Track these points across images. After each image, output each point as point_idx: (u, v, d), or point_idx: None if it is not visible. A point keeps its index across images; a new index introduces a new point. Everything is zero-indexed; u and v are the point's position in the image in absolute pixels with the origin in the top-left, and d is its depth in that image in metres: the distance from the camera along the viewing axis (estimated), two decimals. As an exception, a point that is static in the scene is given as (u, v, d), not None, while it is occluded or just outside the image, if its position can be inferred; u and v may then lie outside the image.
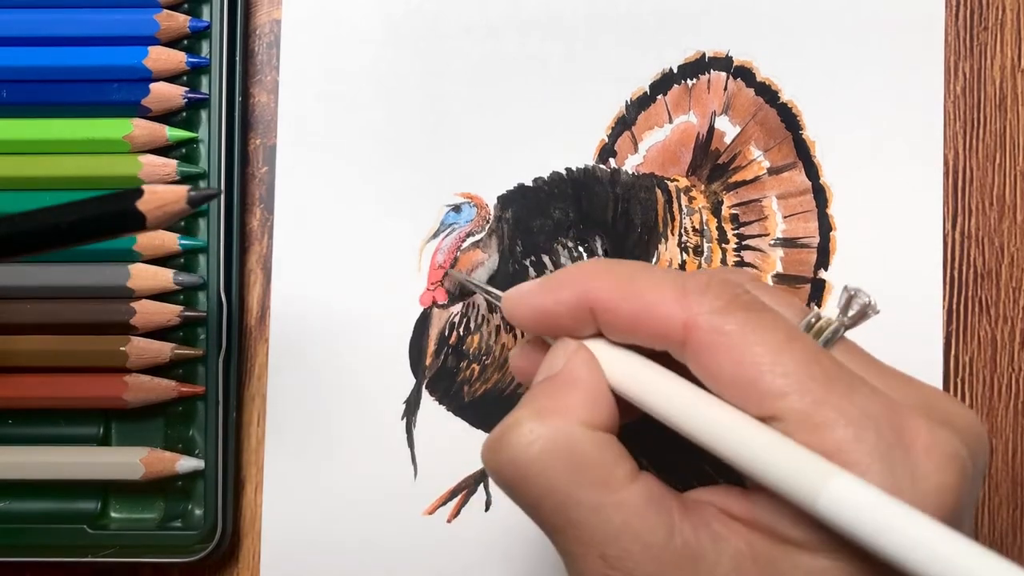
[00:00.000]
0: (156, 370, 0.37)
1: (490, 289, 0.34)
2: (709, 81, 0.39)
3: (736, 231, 0.39)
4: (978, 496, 0.26)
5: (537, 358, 0.29)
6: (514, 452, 0.25)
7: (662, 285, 0.25)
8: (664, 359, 0.26)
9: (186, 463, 0.37)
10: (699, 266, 0.38)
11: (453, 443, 0.38)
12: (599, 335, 0.27)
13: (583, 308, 0.27)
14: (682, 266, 0.38)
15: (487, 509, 0.38)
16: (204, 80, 0.38)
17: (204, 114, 0.38)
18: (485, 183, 0.39)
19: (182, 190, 0.27)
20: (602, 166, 0.39)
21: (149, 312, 0.37)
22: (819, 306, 0.38)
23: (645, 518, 0.24)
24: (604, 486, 0.24)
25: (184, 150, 0.38)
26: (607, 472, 0.25)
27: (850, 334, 0.26)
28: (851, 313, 0.26)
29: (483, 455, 0.26)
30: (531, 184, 0.39)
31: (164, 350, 0.37)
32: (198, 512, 0.37)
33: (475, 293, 0.38)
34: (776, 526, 0.24)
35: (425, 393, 0.38)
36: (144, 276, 0.37)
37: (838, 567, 0.23)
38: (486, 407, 0.38)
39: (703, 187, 0.39)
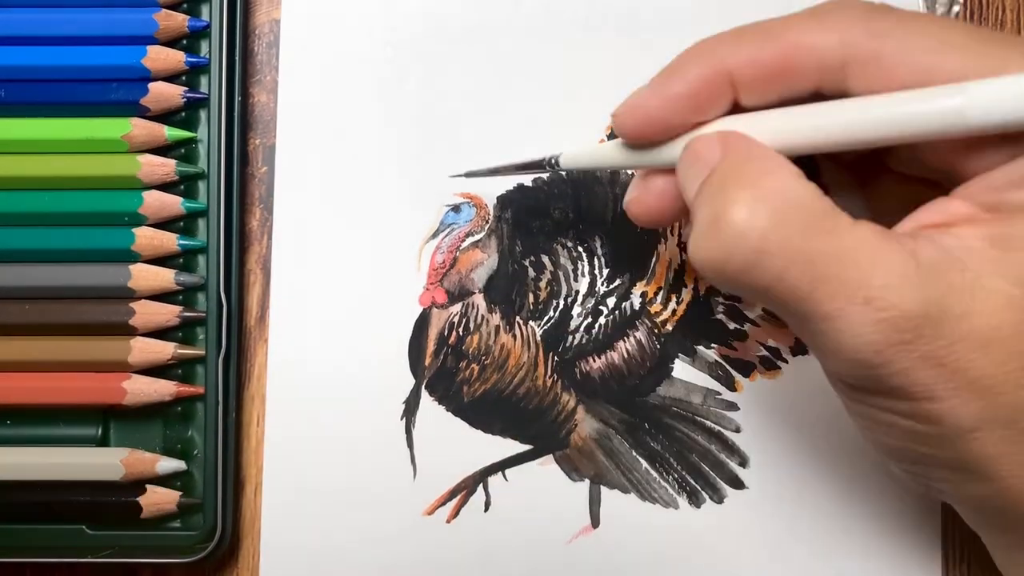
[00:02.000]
0: (155, 370, 0.37)
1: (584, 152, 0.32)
2: (709, 81, 0.39)
3: (736, 231, 0.39)
4: None
5: (661, 187, 0.28)
6: (742, 227, 0.23)
7: (799, 22, 0.25)
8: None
9: (166, 464, 0.37)
10: (699, 266, 0.38)
11: (452, 443, 0.38)
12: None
13: (720, 81, 0.25)
14: (682, 265, 0.38)
15: (486, 509, 0.38)
16: (203, 80, 0.38)
17: (203, 114, 0.38)
18: (485, 183, 0.39)
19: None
20: (602, 166, 0.39)
21: (149, 312, 0.37)
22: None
23: (889, 248, 0.23)
24: (841, 231, 0.23)
25: (183, 150, 0.38)
26: (838, 216, 0.24)
27: None
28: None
29: (702, 255, 0.24)
30: (531, 184, 0.39)
31: (166, 350, 0.37)
32: (198, 512, 0.37)
33: (474, 293, 0.38)
34: (1006, 199, 0.23)
35: (424, 393, 0.38)
36: (145, 276, 0.37)
37: None
38: (486, 407, 0.38)
39: (703, 187, 0.39)
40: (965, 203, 0.24)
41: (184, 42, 0.38)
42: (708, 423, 0.38)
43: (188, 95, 0.37)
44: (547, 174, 0.39)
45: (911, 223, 0.25)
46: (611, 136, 0.39)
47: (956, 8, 0.26)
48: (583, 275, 0.38)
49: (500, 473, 0.38)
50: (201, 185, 0.38)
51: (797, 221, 0.23)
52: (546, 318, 0.38)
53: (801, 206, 0.23)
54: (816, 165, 0.30)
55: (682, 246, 0.39)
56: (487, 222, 0.39)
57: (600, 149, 0.31)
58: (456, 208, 0.39)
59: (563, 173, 0.39)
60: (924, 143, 0.24)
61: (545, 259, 0.39)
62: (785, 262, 0.23)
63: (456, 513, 0.38)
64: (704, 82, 0.26)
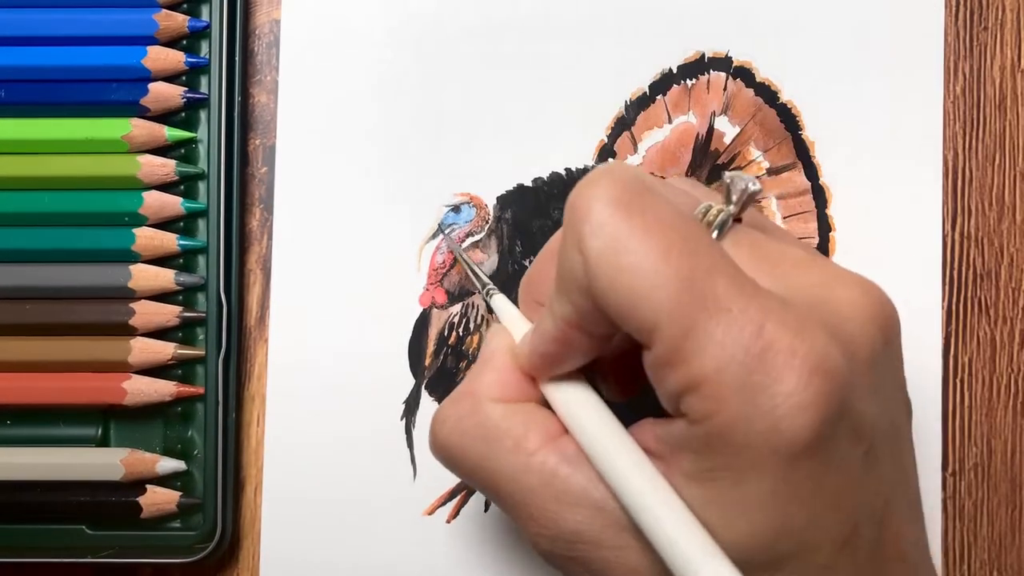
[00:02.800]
0: (155, 371, 0.37)
1: (478, 273, 0.35)
2: (708, 81, 0.39)
3: (736, 231, 0.39)
4: (894, 363, 0.26)
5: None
6: (440, 437, 0.28)
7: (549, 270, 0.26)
8: None
9: (166, 464, 0.37)
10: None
11: (453, 443, 0.38)
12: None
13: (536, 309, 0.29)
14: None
15: (486, 509, 0.38)
16: (203, 80, 0.38)
17: (203, 114, 0.38)
18: (484, 183, 0.39)
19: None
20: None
21: (148, 313, 0.37)
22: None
23: (562, 477, 0.25)
24: (517, 452, 0.26)
25: (183, 150, 0.38)
26: (519, 439, 0.26)
27: None
28: (734, 199, 0.26)
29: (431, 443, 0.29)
30: (530, 184, 0.39)
31: (166, 350, 0.37)
32: (198, 512, 0.37)
33: (474, 294, 0.38)
34: (672, 456, 0.24)
35: (425, 393, 0.38)
36: (145, 277, 0.37)
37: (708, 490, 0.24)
38: (485, 407, 0.38)
39: (703, 187, 0.39)
40: (655, 440, 0.25)
41: (184, 42, 0.38)
42: (708, 423, 0.38)
43: (188, 95, 0.37)
44: (545, 183, 0.39)
45: (633, 433, 0.27)
46: (611, 136, 0.39)
47: (750, 192, 0.26)
48: (583, 275, 0.38)
49: (500, 473, 0.38)
50: (201, 185, 0.38)
51: (478, 436, 0.27)
52: (546, 318, 0.38)
53: (486, 424, 0.27)
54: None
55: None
56: (487, 222, 0.39)
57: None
58: (456, 208, 0.39)
59: (563, 172, 0.39)
60: None
61: (545, 259, 0.38)
62: (471, 472, 0.28)
63: (456, 513, 0.38)
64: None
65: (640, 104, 0.39)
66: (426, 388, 0.38)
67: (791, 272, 0.25)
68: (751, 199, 0.26)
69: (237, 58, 0.38)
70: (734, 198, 0.26)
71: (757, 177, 0.39)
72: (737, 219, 0.27)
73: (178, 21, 0.38)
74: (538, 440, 0.26)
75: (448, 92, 0.39)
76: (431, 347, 0.38)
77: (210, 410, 0.37)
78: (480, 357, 0.29)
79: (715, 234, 0.26)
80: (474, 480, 0.28)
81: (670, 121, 0.39)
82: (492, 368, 0.28)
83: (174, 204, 0.37)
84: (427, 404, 0.38)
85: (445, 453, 0.28)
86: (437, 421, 0.28)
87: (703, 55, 0.39)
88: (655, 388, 0.25)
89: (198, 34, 0.38)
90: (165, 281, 0.37)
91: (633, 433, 0.26)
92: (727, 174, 0.26)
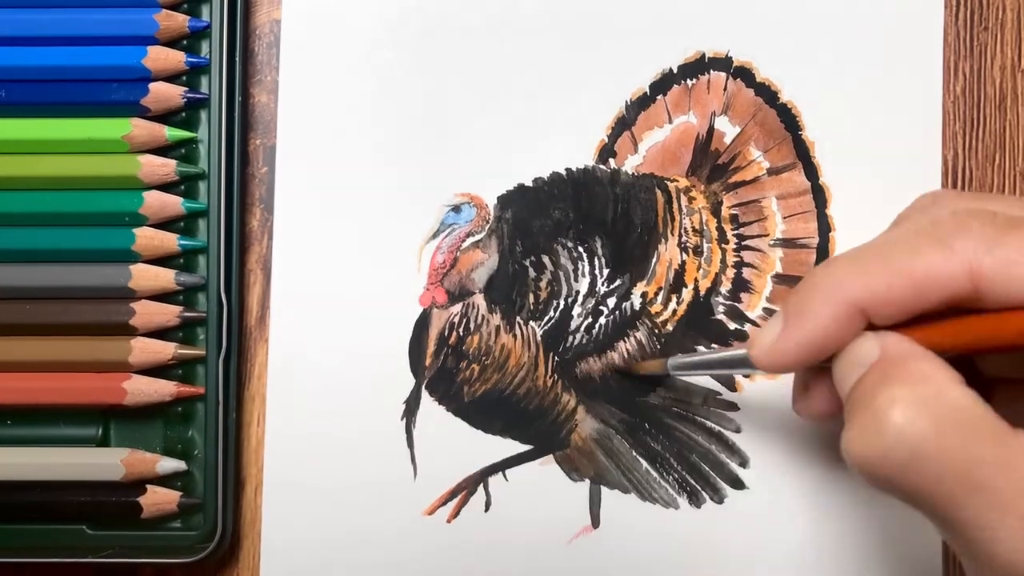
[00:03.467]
0: (155, 371, 0.37)
1: (694, 360, 0.33)
2: (709, 81, 0.39)
3: (736, 231, 0.39)
4: None
5: (823, 389, 0.28)
6: (898, 432, 0.23)
7: (923, 250, 0.24)
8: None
9: (167, 464, 0.37)
10: (699, 266, 0.38)
11: (453, 443, 0.38)
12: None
13: (852, 315, 0.25)
14: (682, 266, 0.38)
15: (487, 509, 0.38)
16: (204, 80, 0.38)
17: (204, 114, 0.38)
18: (485, 183, 0.39)
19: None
20: (602, 166, 0.39)
21: (149, 312, 0.37)
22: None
23: None
24: (1000, 439, 0.23)
25: (183, 150, 0.38)
26: (997, 425, 0.23)
27: None
28: None
29: (853, 452, 0.24)
30: (531, 184, 0.39)
31: (166, 350, 0.37)
32: (198, 512, 0.37)
33: (475, 293, 0.38)
34: None
35: (425, 393, 0.38)
36: (146, 277, 0.37)
37: None
38: (486, 407, 0.38)
39: (703, 187, 0.39)
40: None
41: (184, 42, 0.38)
42: (708, 423, 0.38)
43: (188, 95, 0.37)
44: (545, 183, 0.39)
45: None
46: (612, 136, 0.39)
47: None
48: (583, 275, 0.38)
49: (500, 473, 0.38)
50: (201, 185, 0.38)
51: (957, 427, 0.23)
52: (546, 318, 0.38)
53: (961, 412, 0.23)
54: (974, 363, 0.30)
55: (682, 246, 0.39)
56: (487, 222, 0.39)
57: (711, 357, 0.32)
58: (456, 208, 0.39)
59: (563, 172, 0.39)
60: None
61: (545, 259, 0.39)
62: (942, 467, 0.23)
63: (456, 513, 0.38)
64: (836, 320, 0.25)
65: (640, 104, 0.39)
66: (426, 388, 0.38)
67: None
68: None
69: (237, 58, 0.38)
70: None
71: (757, 177, 0.39)
72: None
73: (178, 21, 0.38)
74: (1007, 426, 0.23)
75: (448, 92, 0.39)
76: (431, 347, 0.38)
77: (210, 410, 0.37)
78: (886, 359, 0.25)
79: None
80: (941, 484, 0.23)
81: (670, 121, 0.39)
82: (925, 356, 0.24)
83: (174, 204, 0.37)
84: (427, 404, 0.38)
85: (912, 452, 0.23)
86: (889, 417, 0.23)
87: (703, 55, 0.39)
88: None
89: (198, 34, 0.38)
90: (165, 281, 0.37)
91: None
92: None
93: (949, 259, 0.24)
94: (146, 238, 0.37)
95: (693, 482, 0.38)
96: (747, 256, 0.39)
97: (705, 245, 0.39)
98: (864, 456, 0.24)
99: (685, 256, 0.39)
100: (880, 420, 0.23)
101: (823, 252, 0.38)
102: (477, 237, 0.39)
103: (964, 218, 0.24)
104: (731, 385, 0.38)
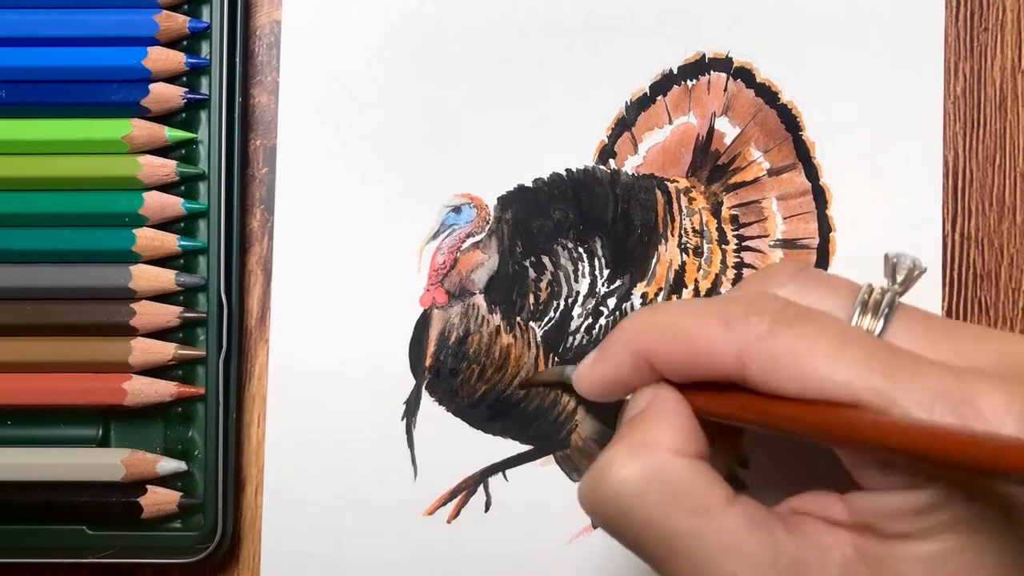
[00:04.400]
0: (156, 371, 0.37)
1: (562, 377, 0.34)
2: (709, 82, 0.39)
3: (736, 232, 0.39)
4: None
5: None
6: (611, 489, 0.25)
7: (706, 323, 0.26)
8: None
9: (167, 464, 0.37)
10: (699, 267, 0.38)
11: (453, 444, 0.38)
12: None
13: (642, 364, 0.27)
14: (682, 267, 0.38)
15: (487, 510, 0.38)
16: (204, 81, 0.38)
17: (204, 115, 0.38)
18: (485, 184, 0.39)
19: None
20: (602, 167, 0.39)
21: (149, 313, 0.37)
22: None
23: (748, 540, 0.24)
24: (703, 512, 0.25)
25: (184, 151, 0.38)
26: (704, 498, 0.25)
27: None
28: (900, 279, 0.26)
29: (581, 497, 0.27)
30: (531, 185, 0.39)
31: (166, 351, 0.37)
32: (198, 513, 0.37)
33: (475, 294, 0.38)
34: (880, 524, 0.24)
35: (425, 394, 0.38)
36: (146, 277, 0.37)
37: (946, 546, 0.23)
38: (486, 408, 0.38)
39: (703, 188, 0.39)
40: (847, 511, 0.25)
41: (185, 43, 0.38)
42: (708, 424, 0.38)
43: (189, 96, 0.37)
44: (545, 184, 0.39)
45: (804, 505, 0.26)
46: (612, 136, 0.39)
47: (917, 272, 0.26)
48: (583, 276, 0.38)
49: (501, 473, 0.38)
50: (202, 186, 0.38)
51: (660, 496, 0.25)
52: (547, 319, 0.38)
53: (670, 483, 0.25)
54: None
55: (682, 247, 0.39)
56: (487, 223, 0.39)
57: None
58: (456, 209, 0.39)
59: (563, 173, 0.39)
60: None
61: (545, 260, 0.39)
62: (644, 529, 0.25)
63: (457, 513, 0.38)
64: (627, 366, 0.28)
65: (641, 104, 0.39)
66: (426, 389, 0.38)
67: (972, 340, 0.25)
68: (917, 278, 0.26)
69: (238, 59, 0.38)
70: (899, 277, 0.26)
71: (757, 178, 0.39)
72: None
73: (179, 22, 0.38)
74: (722, 501, 0.25)
75: (448, 92, 0.39)
76: (432, 348, 0.38)
77: (211, 410, 0.37)
78: (644, 412, 0.27)
79: (885, 312, 0.25)
80: (643, 540, 0.25)
81: (670, 122, 0.39)
82: (669, 418, 0.26)
83: (175, 205, 0.37)
84: (427, 404, 0.38)
85: (619, 509, 0.25)
86: (608, 472, 0.26)
87: (703, 56, 0.39)
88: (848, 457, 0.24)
89: (199, 35, 0.38)
90: (166, 282, 0.37)
91: (806, 504, 0.26)
92: (892, 253, 0.26)
93: (725, 340, 0.25)
94: (146, 239, 0.37)
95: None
96: (747, 257, 0.39)
97: (705, 246, 0.39)
98: (585, 499, 0.26)
99: (685, 257, 0.39)
100: (602, 474, 0.26)
101: (823, 253, 0.38)
102: (477, 238, 0.39)
103: (754, 304, 0.25)
104: (731, 386, 0.38)
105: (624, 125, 0.39)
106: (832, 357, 0.23)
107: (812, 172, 0.39)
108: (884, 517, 0.24)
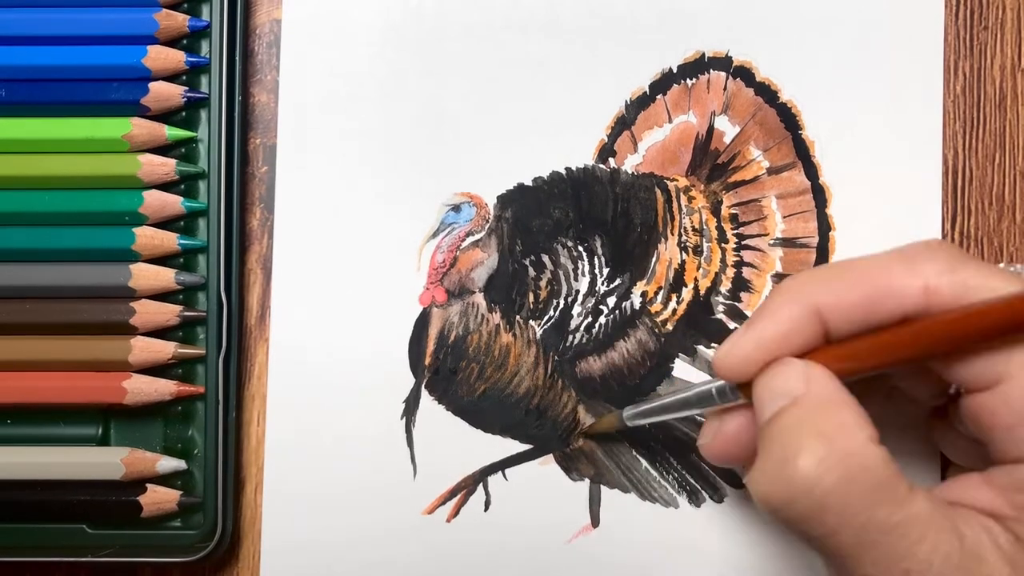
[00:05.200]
0: (155, 370, 0.37)
1: (647, 408, 0.33)
2: (708, 81, 0.39)
3: (735, 231, 0.39)
4: None
5: (735, 429, 0.29)
6: (806, 483, 0.24)
7: (887, 266, 0.26)
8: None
9: (167, 463, 0.37)
10: (698, 266, 0.38)
11: (452, 443, 0.38)
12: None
13: (810, 316, 0.26)
14: (682, 265, 0.38)
15: (486, 509, 0.38)
16: (204, 79, 0.38)
17: (204, 113, 0.38)
18: (485, 182, 0.39)
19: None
20: (602, 166, 0.39)
21: (149, 312, 0.37)
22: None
23: (939, 528, 0.24)
24: (899, 502, 0.24)
25: (183, 149, 0.38)
26: (898, 487, 0.24)
27: None
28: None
29: (760, 491, 0.26)
30: (531, 184, 0.39)
31: (166, 349, 0.37)
32: (198, 512, 0.37)
33: (475, 293, 0.38)
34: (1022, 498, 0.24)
35: (424, 393, 0.38)
36: (145, 276, 0.37)
37: None
38: (486, 407, 0.38)
39: (702, 187, 0.39)
40: (992, 491, 0.25)
41: (184, 42, 0.38)
42: (708, 422, 0.38)
43: (188, 95, 0.38)
44: (545, 182, 0.39)
45: (953, 493, 0.26)
46: (612, 135, 0.39)
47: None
48: (583, 274, 0.38)
49: (500, 473, 0.38)
50: (201, 184, 0.38)
51: (861, 486, 0.24)
52: (546, 317, 0.38)
53: (868, 472, 0.24)
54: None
55: (682, 246, 0.39)
56: (487, 221, 0.39)
57: (666, 402, 0.32)
58: (456, 207, 0.39)
59: (563, 171, 0.39)
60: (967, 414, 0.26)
61: (545, 258, 0.39)
62: (841, 522, 0.24)
63: (456, 512, 0.38)
64: (796, 321, 0.26)
65: (640, 103, 0.39)
66: (426, 387, 0.38)
67: None
68: None
69: (237, 57, 0.38)
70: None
71: (756, 177, 0.39)
72: None
73: (178, 20, 0.38)
74: (909, 489, 0.25)
75: (448, 91, 0.39)
76: (431, 346, 0.38)
77: (210, 409, 0.37)
78: (810, 397, 0.26)
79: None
80: (839, 535, 0.24)
81: (670, 120, 0.39)
82: (848, 403, 0.25)
83: (174, 203, 0.37)
84: (427, 403, 0.38)
85: (817, 503, 0.24)
86: (797, 464, 0.24)
87: (703, 55, 0.39)
88: (985, 431, 0.25)
89: (198, 33, 0.38)
90: (165, 280, 0.37)
91: (951, 493, 0.26)
92: (1004, 266, 0.28)
93: (911, 276, 0.26)
94: (146, 237, 0.37)
95: (693, 481, 0.38)
96: (747, 255, 0.39)
97: (705, 244, 0.39)
98: (769, 497, 0.25)
99: (685, 255, 0.39)
100: (791, 467, 0.24)
101: (823, 251, 0.38)
102: (477, 236, 0.39)
103: (934, 245, 0.26)
104: (731, 384, 0.38)
105: (624, 124, 0.39)
106: (1011, 281, 0.24)
107: (811, 171, 0.39)
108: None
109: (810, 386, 0.26)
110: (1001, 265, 0.28)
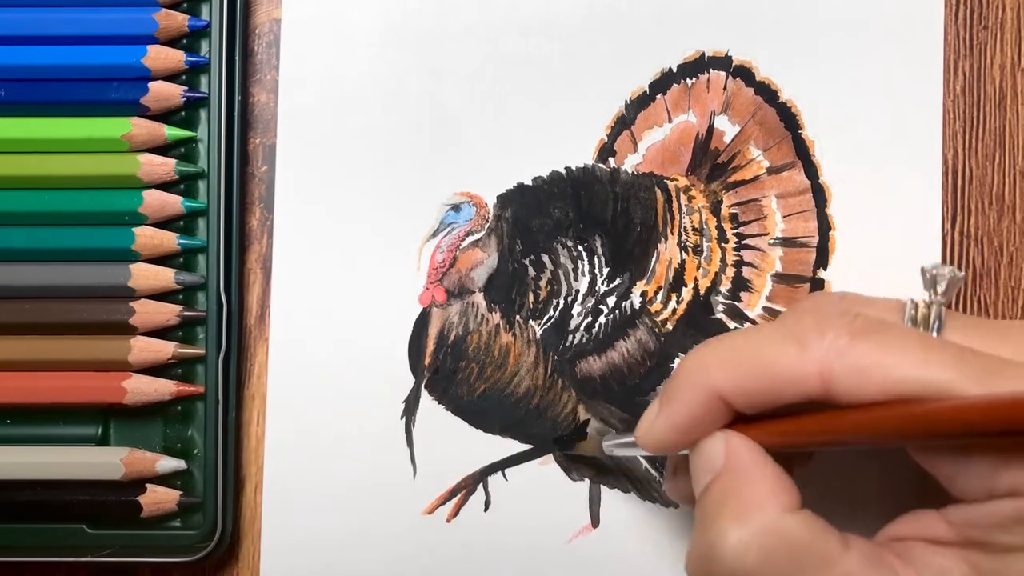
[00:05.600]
0: (155, 370, 0.37)
1: (624, 441, 0.33)
2: (708, 80, 0.39)
3: (735, 230, 0.39)
4: None
5: (688, 476, 0.29)
6: (729, 565, 0.24)
7: (782, 348, 0.25)
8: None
9: (166, 463, 0.37)
10: (698, 265, 0.38)
11: (452, 443, 0.38)
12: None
13: (715, 402, 0.26)
14: (682, 265, 0.38)
15: (486, 509, 0.38)
16: (203, 79, 0.38)
17: (203, 113, 0.38)
18: (484, 182, 0.39)
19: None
20: (601, 165, 0.39)
21: (149, 312, 0.37)
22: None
23: None
24: (826, 565, 0.24)
25: (183, 149, 0.38)
26: (823, 550, 0.24)
27: None
28: (942, 290, 0.26)
29: (690, 569, 0.26)
30: (530, 183, 0.39)
31: (166, 349, 0.37)
32: (198, 512, 0.37)
33: (474, 292, 0.38)
34: (988, 537, 0.23)
35: (424, 393, 0.38)
36: (145, 276, 0.37)
37: None
38: (485, 407, 0.38)
39: (702, 186, 0.39)
40: (950, 528, 0.25)
41: (184, 41, 0.38)
42: (708, 422, 0.38)
43: (188, 94, 0.37)
44: (545, 182, 0.39)
45: (906, 529, 0.26)
46: (611, 135, 0.39)
47: (956, 280, 0.27)
48: (583, 274, 0.38)
49: (500, 473, 0.38)
50: (201, 184, 0.38)
51: (783, 558, 0.24)
52: (546, 317, 0.38)
53: (790, 542, 0.24)
54: None
55: (682, 245, 0.39)
56: (487, 221, 0.39)
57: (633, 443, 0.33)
58: (456, 207, 0.39)
59: (563, 171, 0.39)
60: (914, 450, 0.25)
61: (545, 258, 0.39)
62: None
63: (456, 512, 0.38)
64: (700, 407, 0.27)
65: (640, 103, 0.39)
66: (426, 387, 0.38)
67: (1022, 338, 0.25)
68: (957, 286, 0.27)
69: (237, 57, 0.38)
70: (941, 288, 0.26)
71: (756, 176, 0.39)
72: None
73: (178, 20, 0.38)
74: (838, 546, 0.24)
75: (448, 91, 0.39)
76: (431, 346, 0.38)
77: (210, 409, 0.37)
78: (727, 471, 0.26)
79: (936, 324, 0.26)
80: None
81: (670, 120, 0.39)
82: (761, 472, 0.26)
83: (174, 203, 0.37)
84: (427, 403, 0.38)
85: None
86: (720, 547, 0.25)
87: (703, 54, 0.39)
88: (946, 471, 0.24)
89: (198, 33, 0.38)
90: (165, 280, 0.37)
91: (904, 529, 0.26)
92: (930, 267, 0.27)
93: (804, 360, 0.25)
94: (146, 237, 0.37)
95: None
96: (747, 255, 0.39)
97: (705, 244, 0.39)
98: (718, 571, 0.25)
99: (685, 255, 0.39)
100: (714, 551, 0.25)
101: (823, 251, 0.38)
102: (476, 236, 0.39)
103: (824, 321, 0.25)
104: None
105: (624, 123, 0.39)
106: (923, 359, 0.23)
107: (811, 170, 0.39)
108: (991, 529, 0.23)
109: (728, 460, 0.26)
110: (908, 301, 0.27)
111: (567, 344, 0.38)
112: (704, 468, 0.27)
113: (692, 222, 0.39)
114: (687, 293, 0.38)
